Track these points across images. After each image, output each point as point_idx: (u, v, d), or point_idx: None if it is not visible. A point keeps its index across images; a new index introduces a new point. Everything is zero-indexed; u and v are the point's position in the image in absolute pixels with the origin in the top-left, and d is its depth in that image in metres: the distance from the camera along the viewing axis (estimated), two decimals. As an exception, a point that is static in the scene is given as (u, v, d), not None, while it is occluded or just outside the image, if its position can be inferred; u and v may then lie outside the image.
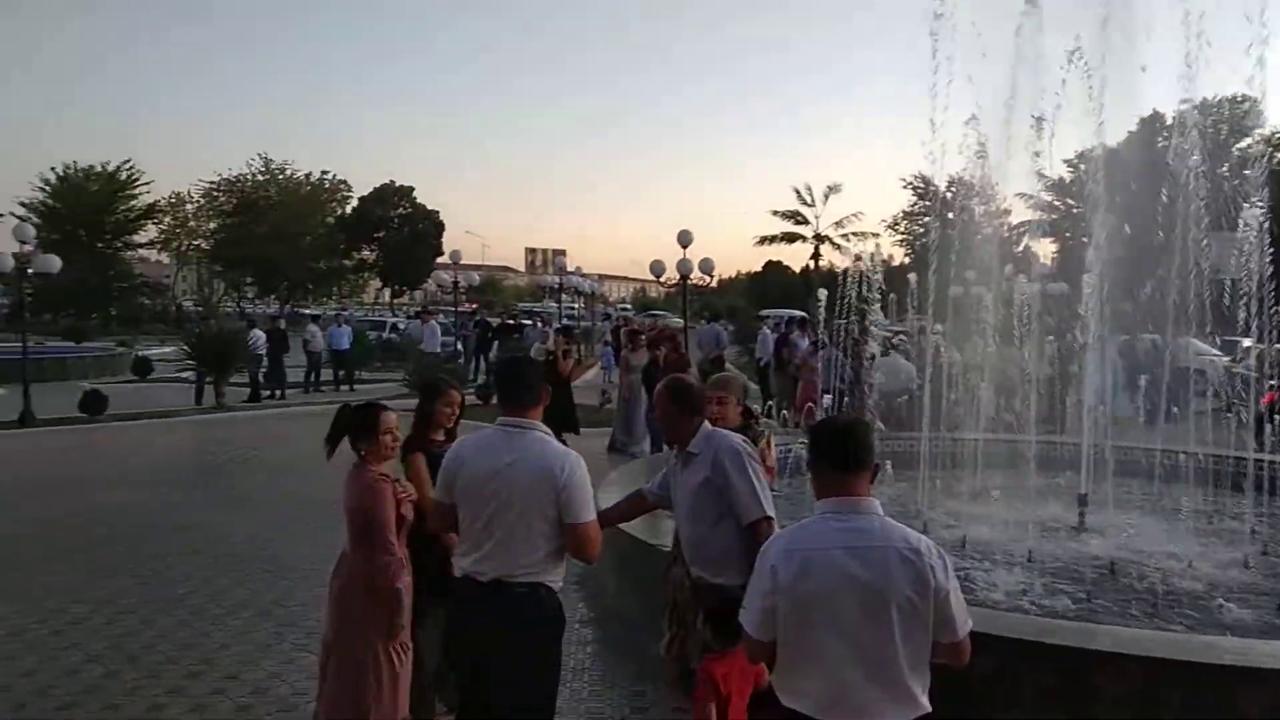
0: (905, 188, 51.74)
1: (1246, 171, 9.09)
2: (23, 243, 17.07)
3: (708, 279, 22.46)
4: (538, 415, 3.49)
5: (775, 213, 55.36)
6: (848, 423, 3.04)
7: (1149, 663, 4.06)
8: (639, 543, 5.84)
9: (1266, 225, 8.55)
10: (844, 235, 54.08)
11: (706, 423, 3.93)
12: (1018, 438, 8.58)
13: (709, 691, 3.29)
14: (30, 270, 17.36)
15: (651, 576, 5.56)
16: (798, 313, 29.47)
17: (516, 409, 3.46)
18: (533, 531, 3.32)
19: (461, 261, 39.18)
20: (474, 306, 40.86)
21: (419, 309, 43.00)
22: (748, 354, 23.75)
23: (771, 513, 3.65)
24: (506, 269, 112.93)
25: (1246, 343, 10.16)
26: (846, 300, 11.70)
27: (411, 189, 62.02)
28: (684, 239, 19.75)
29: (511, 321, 29.17)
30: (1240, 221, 8.52)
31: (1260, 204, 8.59)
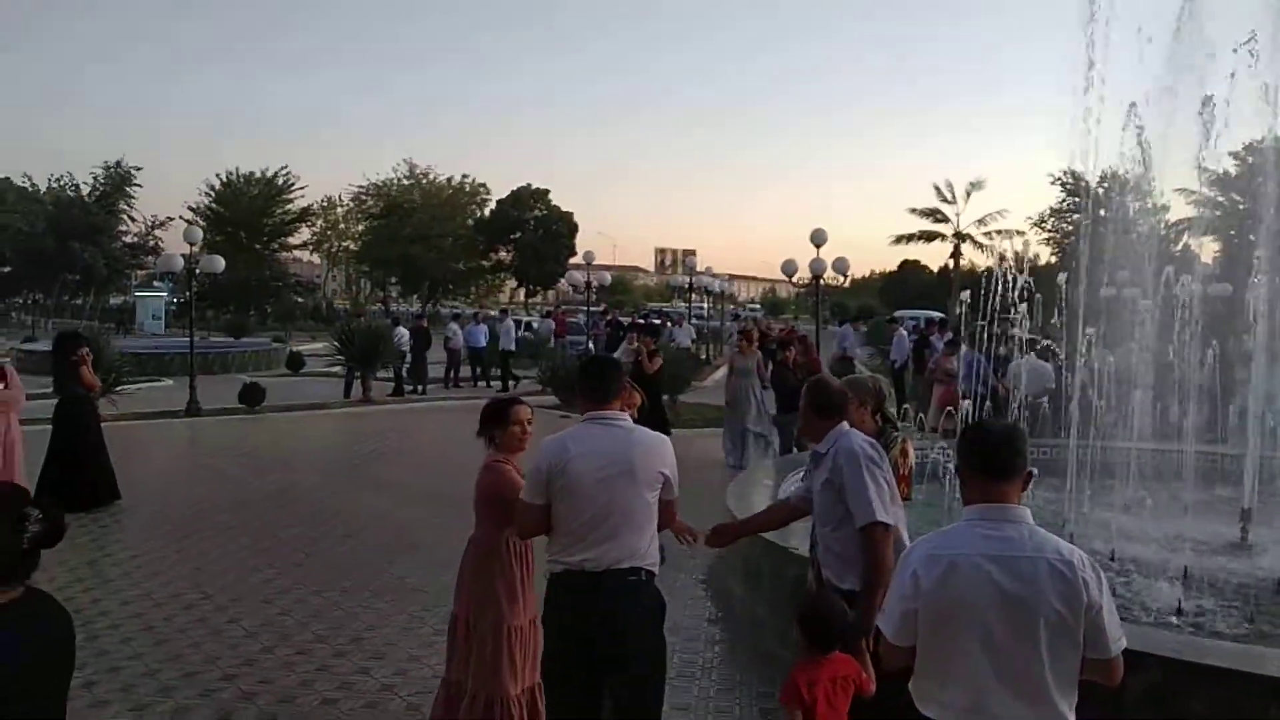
0: (1054, 184, 49.35)
1: None
2: (191, 244, 18.36)
3: (842, 279, 22.02)
4: (618, 408, 3.60)
5: (913, 210, 53.83)
6: (1001, 427, 2.94)
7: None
8: (767, 544, 5.81)
9: None
10: (986, 233, 52.10)
11: (845, 424, 3.90)
12: (1174, 447, 8.08)
13: (794, 699, 3.22)
14: (197, 270, 18.64)
15: (777, 577, 5.54)
16: (936, 314, 28.58)
17: (601, 403, 3.57)
18: (644, 518, 3.45)
19: (594, 262, 39.86)
20: (604, 306, 41.46)
21: (550, 309, 43.96)
22: (881, 356, 23.21)
23: (887, 519, 3.57)
24: (637, 269, 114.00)
25: None
26: (989, 301, 11.29)
27: (547, 191, 63.39)
28: (818, 238, 19.45)
29: (642, 321, 29.44)
30: None
31: None
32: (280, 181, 55.72)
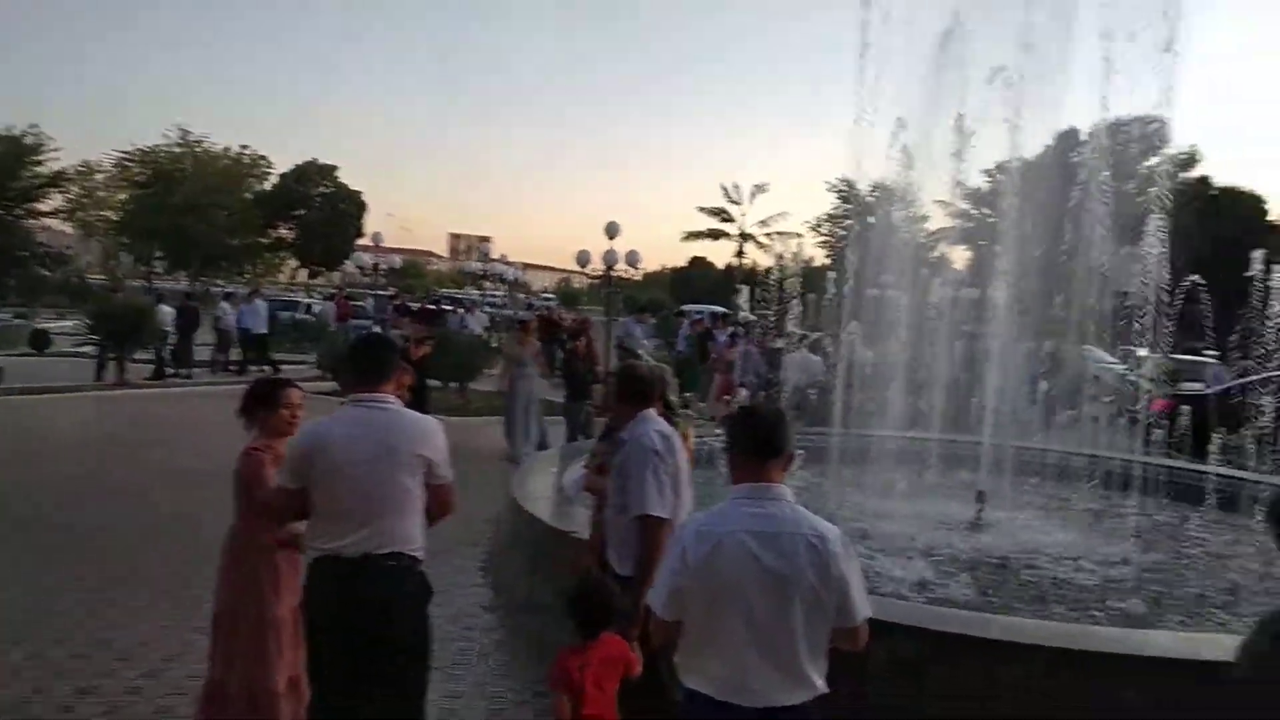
0: (829, 190, 52.68)
1: (1152, 189, 9.54)
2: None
3: (634, 271, 22.49)
4: (389, 391, 3.51)
5: (702, 209, 55.87)
6: (765, 411, 3.12)
7: (1037, 650, 4.26)
8: (548, 529, 5.86)
9: (1165, 241, 9.00)
10: (768, 234, 54.86)
11: (648, 412, 3.96)
12: (923, 435, 8.86)
13: (562, 684, 3.25)
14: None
15: (558, 562, 5.59)
16: (720, 309, 29.75)
17: (369, 385, 3.47)
18: (407, 503, 3.36)
19: (383, 244, 38.52)
20: (393, 291, 40.23)
21: (334, 291, 42.12)
22: (668, 347, 23.94)
23: (661, 512, 3.67)
24: (430, 254, 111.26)
25: (1141, 352, 10.64)
26: (766, 297, 11.90)
27: (334, 168, 60.59)
28: (611, 230, 19.76)
29: (432, 306, 28.78)
30: (1142, 236, 8.93)
31: (1161, 220, 9.01)
32: (29, 141, 49.96)
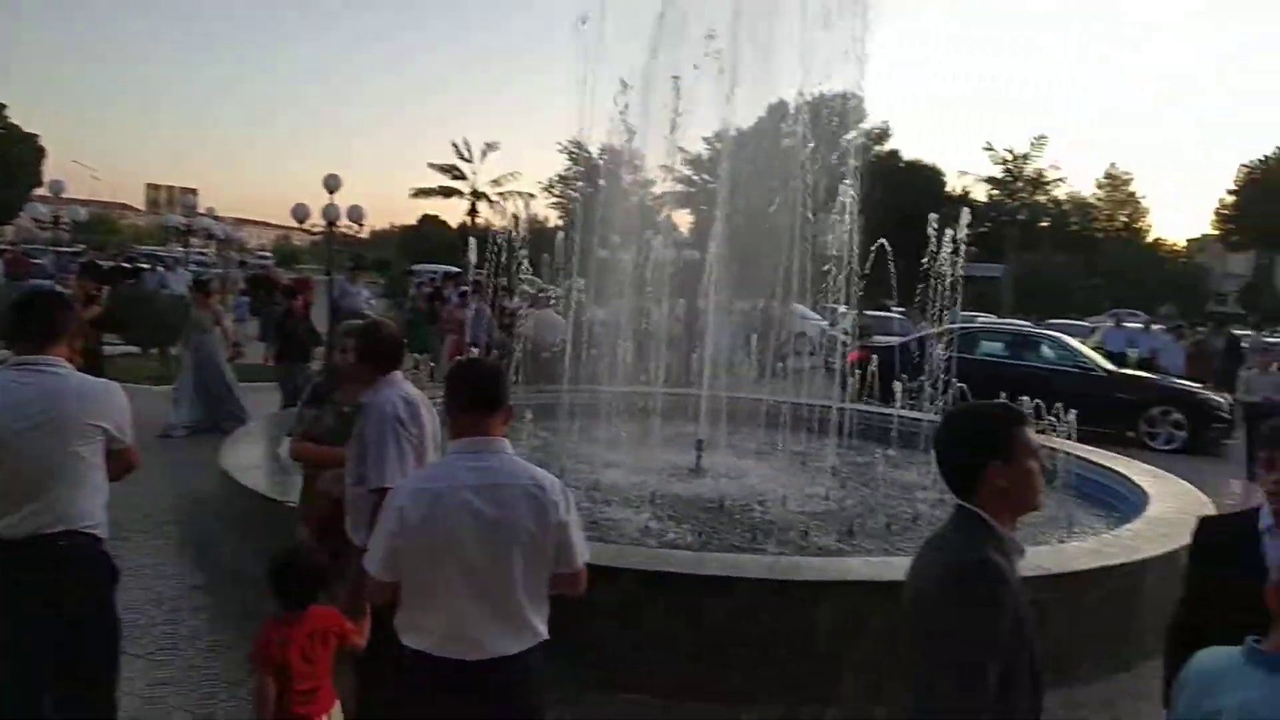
0: (561, 151, 53.06)
1: (851, 161, 10.38)
2: None
3: (357, 228, 21.47)
4: (61, 354, 3.15)
5: (433, 165, 54.37)
6: (479, 364, 3.09)
7: (752, 584, 4.59)
8: (259, 498, 5.51)
9: (858, 209, 9.87)
10: (501, 193, 54.43)
11: (394, 375, 3.74)
12: (648, 389, 9.23)
13: (263, 660, 3.07)
14: None
15: (269, 532, 5.27)
16: (453, 269, 29.19)
17: (36, 346, 3.09)
18: (78, 475, 3.04)
19: (65, 194, 34.18)
20: (82, 247, 35.83)
21: (4, 246, 36.90)
22: (397, 308, 23.24)
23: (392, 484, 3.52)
24: (124, 206, 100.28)
25: (841, 309, 11.63)
26: (499, 257, 11.79)
27: (3, 106, 52.73)
28: (331, 184, 18.73)
29: (127, 265, 25.93)
30: (840, 204, 9.71)
31: (853, 189, 9.84)
32: None
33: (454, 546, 2.56)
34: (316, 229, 20.94)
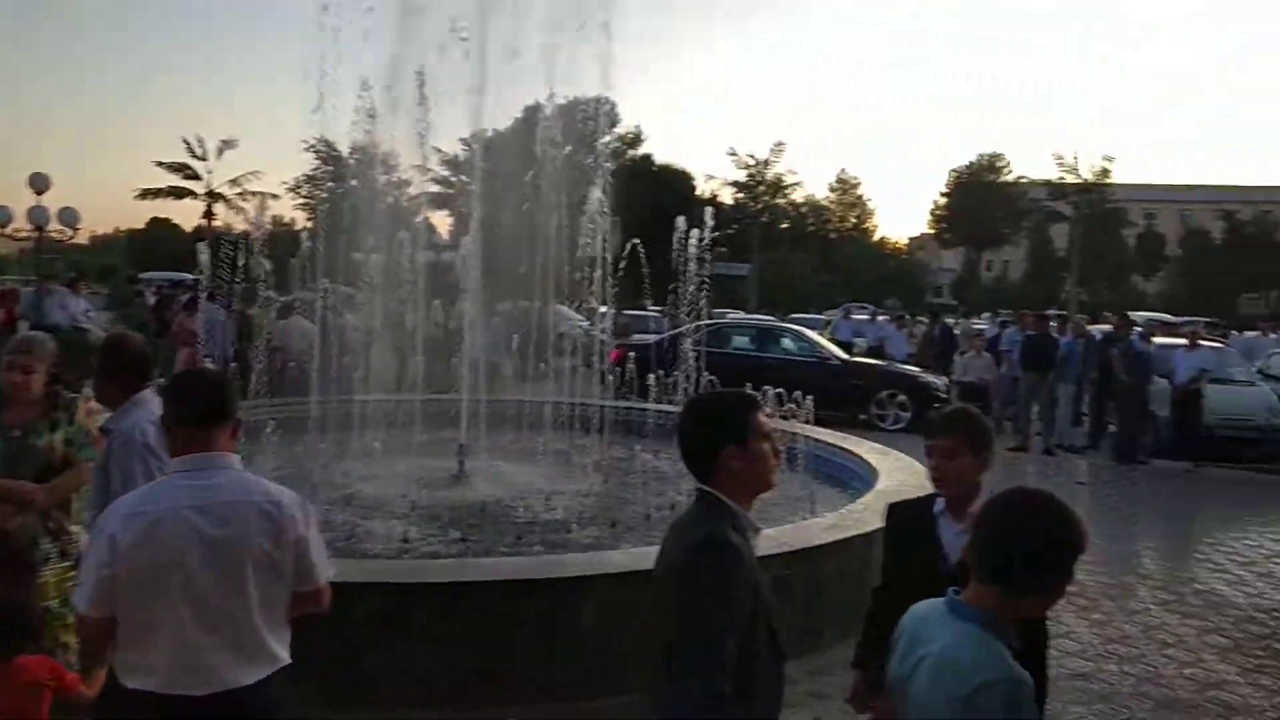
0: (308, 150, 50.34)
1: (605, 164, 10.60)
2: None
3: (71, 232, 19.37)
4: None
5: (161, 164, 49.89)
6: (200, 374, 2.89)
7: (510, 585, 4.58)
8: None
9: (613, 211, 10.11)
10: (240, 194, 50.88)
11: (143, 394, 3.39)
12: (406, 396, 8.99)
13: None
14: None
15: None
16: (187, 276, 27.05)
17: None
18: None
19: None
20: None
21: None
22: (123, 320, 21.21)
23: None
24: None
25: (601, 309, 11.87)
26: (240, 261, 11.05)
27: None
28: (39, 184, 16.79)
29: None
30: (592, 207, 9.89)
31: (606, 191, 10.07)
32: None
33: (177, 573, 2.37)
34: (21, 234, 18.68)
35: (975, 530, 1.98)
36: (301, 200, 51.82)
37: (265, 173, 56.91)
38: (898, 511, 3.23)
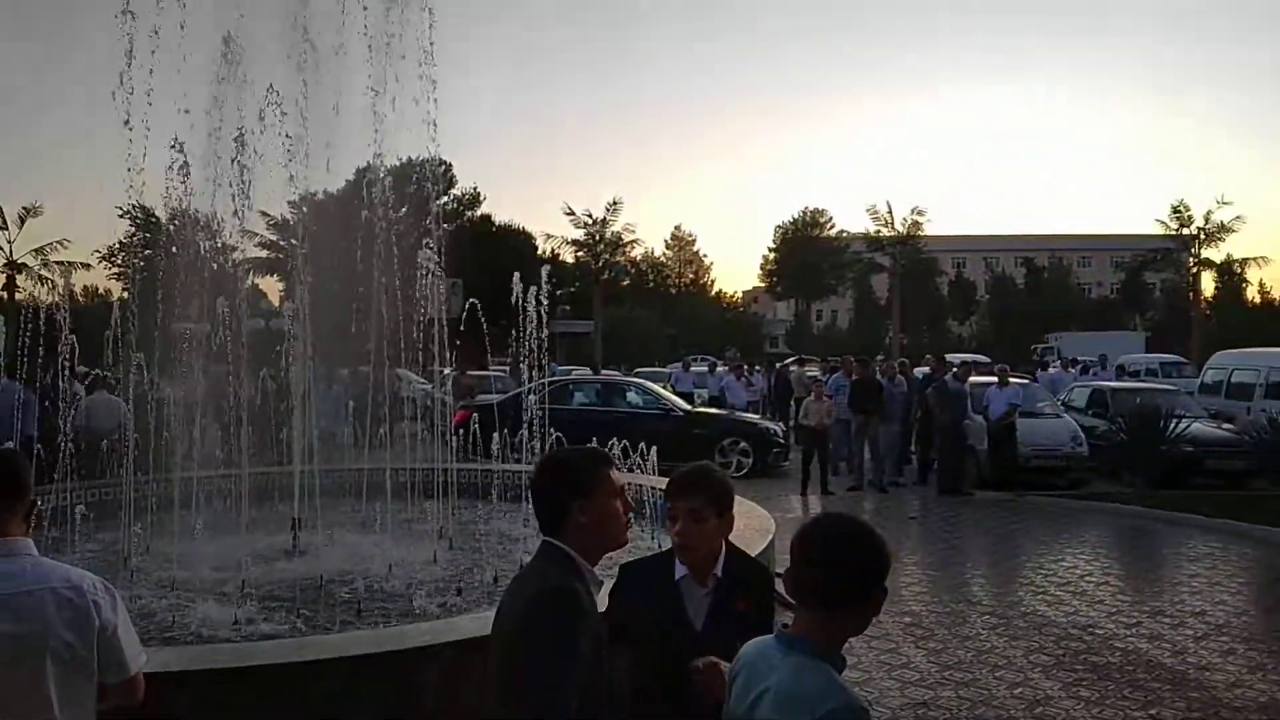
0: (122, 217, 47.49)
1: (445, 225, 10.48)
2: None
3: None
4: None
5: (-51, 236, 45.87)
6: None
7: (349, 661, 4.35)
8: None
9: (453, 272, 10.01)
10: (45, 264, 47.34)
11: None
12: (233, 471, 8.51)
13: None
14: None
15: None
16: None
17: None
18: None
19: None
20: None
21: None
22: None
23: None
24: None
25: (446, 371, 11.67)
26: (44, 335, 10.23)
27: None
28: None
29: None
30: (427, 267, 9.75)
31: (440, 253, 9.96)
32: None
33: (-35, 674, 2.14)
34: None
35: (795, 563, 2.05)
36: (115, 270, 48.76)
37: (73, 241, 53.33)
38: (633, 572, 2.94)
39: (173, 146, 8.19)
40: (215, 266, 10.55)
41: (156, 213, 16.10)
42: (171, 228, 11.02)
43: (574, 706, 2.07)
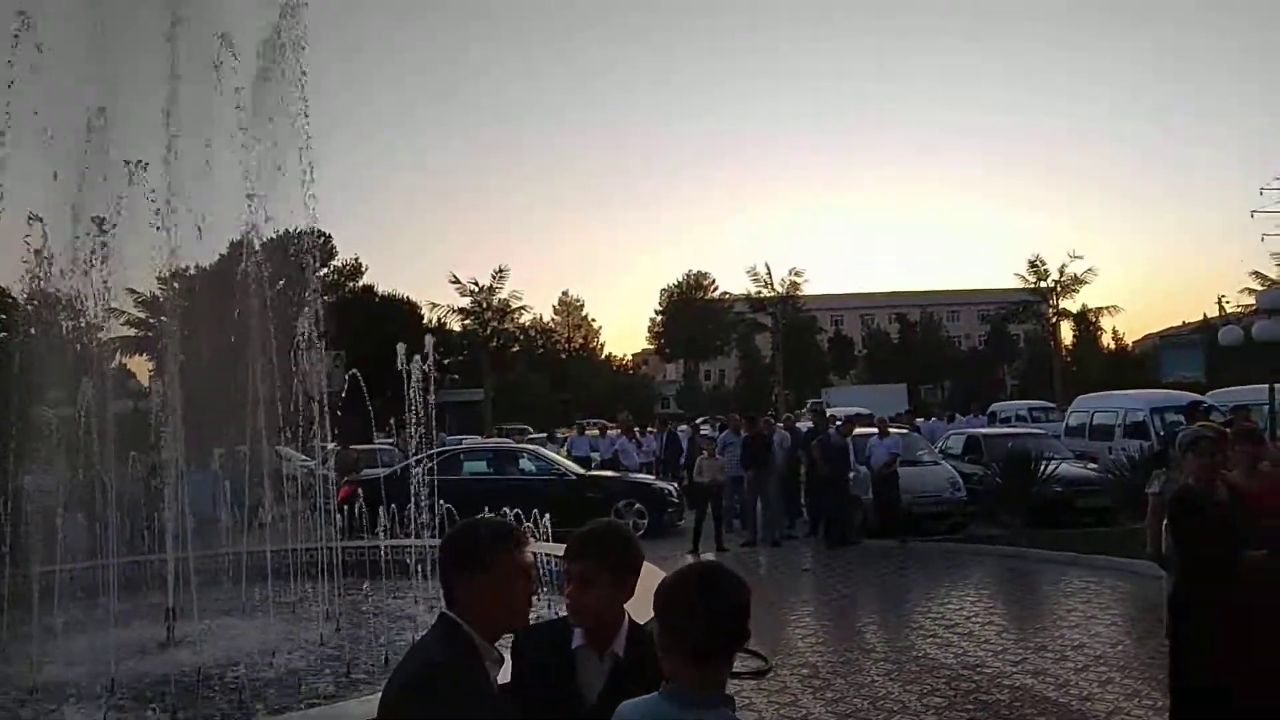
0: (-28, 298, 44.78)
1: (323, 296, 10.25)
2: None
3: None
4: None
5: None
6: None
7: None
8: None
9: (333, 344, 9.78)
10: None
11: None
12: (97, 563, 8.03)
13: None
14: None
15: None
16: None
17: None
18: None
19: None
20: None
21: None
22: None
23: None
24: None
25: (329, 446, 11.33)
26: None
27: None
28: None
29: None
30: (305, 340, 9.51)
31: (320, 324, 9.75)
32: None
33: None
34: None
35: (664, 616, 2.08)
36: (-34, 353, 45.70)
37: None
38: (529, 639, 2.65)
39: (30, 220, 7.82)
40: (79, 347, 10.08)
41: (13, 293, 15.29)
42: (30, 308, 10.52)
43: None
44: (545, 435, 25.69)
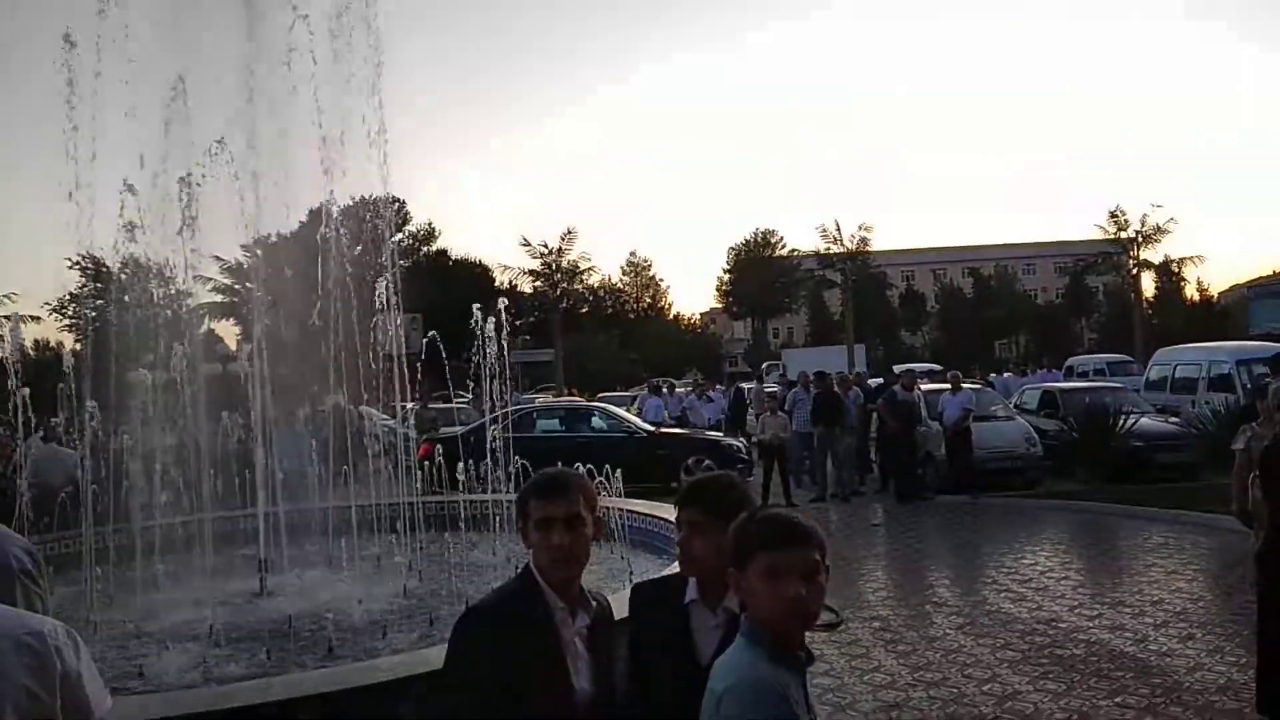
0: (72, 268, 46.64)
1: (399, 260, 10.48)
2: None
3: None
4: None
5: (-113, 288, 44.69)
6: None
7: (320, 699, 4.35)
8: None
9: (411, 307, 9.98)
10: (-3, 316, 46.31)
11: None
12: (195, 517, 8.43)
13: None
14: None
15: None
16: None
17: None
18: None
19: None
20: None
21: None
22: None
23: None
24: None
25: (409, 405, 11.65)
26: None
27: None
28: None
29: None
30: (386, 304, 9.74)
31: (398, 288, 9.97)
32: None
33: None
34: None
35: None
36: (68, 321, 47.85)
37: (20, 294, 52.29)
38: (643, 592, 2.70)
39: (122, 191, 8.14)
40: (169, 313, 10.48)
41: (107, 262, 15.93)
42: (123, 277, 10.96)
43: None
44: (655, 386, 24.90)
